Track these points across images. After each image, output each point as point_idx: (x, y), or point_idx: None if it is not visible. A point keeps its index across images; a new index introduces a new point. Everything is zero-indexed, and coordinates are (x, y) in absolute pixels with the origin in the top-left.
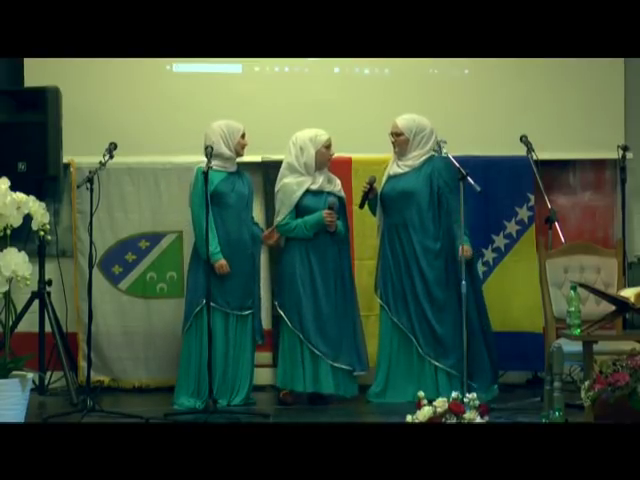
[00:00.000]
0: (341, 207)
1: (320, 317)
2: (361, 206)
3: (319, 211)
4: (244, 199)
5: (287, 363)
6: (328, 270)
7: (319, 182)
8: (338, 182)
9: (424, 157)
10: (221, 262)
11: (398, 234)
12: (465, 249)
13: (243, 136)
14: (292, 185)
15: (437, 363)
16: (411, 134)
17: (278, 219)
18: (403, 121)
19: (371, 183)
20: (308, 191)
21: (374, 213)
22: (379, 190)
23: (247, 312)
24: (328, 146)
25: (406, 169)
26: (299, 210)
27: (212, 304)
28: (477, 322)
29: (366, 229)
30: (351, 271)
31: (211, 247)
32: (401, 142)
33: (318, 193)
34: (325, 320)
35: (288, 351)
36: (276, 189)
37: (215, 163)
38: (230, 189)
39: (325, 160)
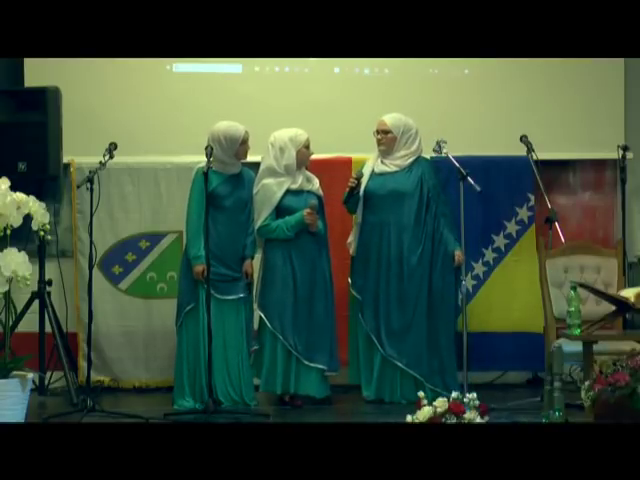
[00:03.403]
0: (320, 206)
1: (300, 317)
2: (346, 201)
3: (299, 211)
4: (242, 202)
5: (268, 365)
6: (309, 270)
7: (299, 182)
8: (317, 181)
9: (412, 158)
10: (198, 268)
11: (382, 233)
12: (458, 254)
13: (244, 142)
14: (272, 186)
15: (404, 367)
16: (399, 132)
17: (259, 221)
18: (391, 119)
19: (358, 178)
20: (288, 191)
21: (355, 210)
22: (363, 187)
23: (236, 296)
24: (308, 146)
25: (395, 168)
26: (279, 210)
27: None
28: (442, 323)
29: (347, 229)
30: (330, 270)
31: (194, 250)
32: (389, 140)
33: (298, 193)
34: (304, 320)
35: (269, 353)
36: (254, 191)
37: (215, 165)
38: (228, 192)
39: (305, 159)
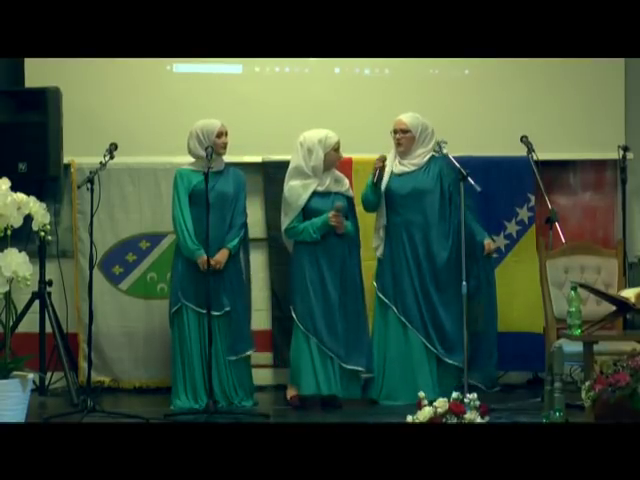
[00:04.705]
0: (350, 207)
1: (332, 319)
2: (376, 184)
3: (325, 213)
4: (226, 198)
5: (307, 368)
6: (338, 271)
7: (326, 183)
8: (346, 182)
9: (428, 155)
10: (202, 258)
11: (409, 232)
12: (488, 243)
13: (219, 135)
14: (298, 188)
15: (449, 360)
16: (417, 132)
17: (286, 223)
18: (410, 118)
19: (383, 160)
20: (315, 193)
21: (372, 208)
22: (383, 187)
23: (221, 312)
24: (337, 148)
25: (413, 167)
26: (306, 212)
27: (187, 303)
28: (488, 317)
29: (369, 230)
30: (360, 271)
31: (190, 244)
32: (408, 140)
33: (325, 194)
34: (336, 322)
35: (307, 356)
36: (284, 192)
37: (196, 164)
38: (209, 188)
39: (334, 162)
